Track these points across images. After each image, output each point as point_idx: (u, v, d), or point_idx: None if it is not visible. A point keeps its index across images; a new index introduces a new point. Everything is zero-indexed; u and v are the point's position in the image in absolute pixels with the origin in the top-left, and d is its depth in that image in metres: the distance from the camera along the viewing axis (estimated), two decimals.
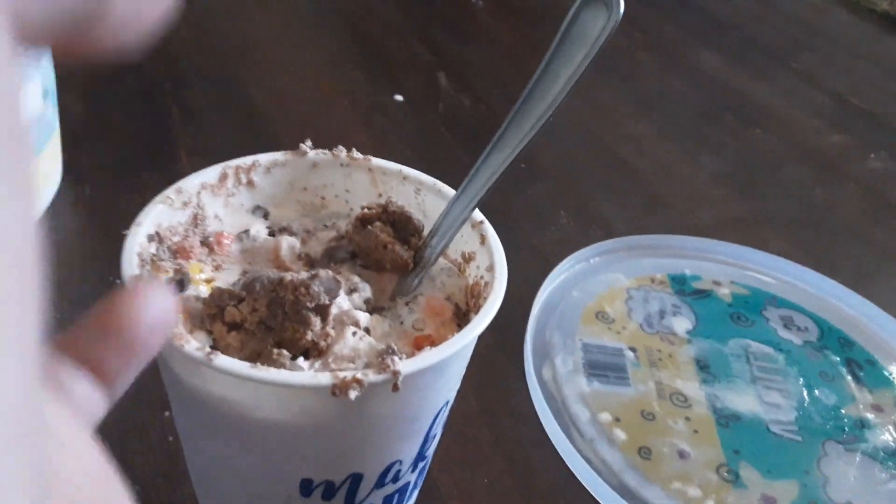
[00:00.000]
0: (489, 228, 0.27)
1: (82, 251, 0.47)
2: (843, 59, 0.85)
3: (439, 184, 0.29)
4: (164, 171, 0.54)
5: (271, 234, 0.28)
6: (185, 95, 0.62)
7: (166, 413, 0.37)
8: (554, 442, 0.40)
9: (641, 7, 0.88)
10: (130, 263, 0.24)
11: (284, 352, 0.22)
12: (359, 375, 0.20)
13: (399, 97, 0.66)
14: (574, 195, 0.58)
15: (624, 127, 0.68)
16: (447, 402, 0.26)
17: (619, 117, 0.69)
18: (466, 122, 0.64)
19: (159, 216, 0.26)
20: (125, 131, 0.58)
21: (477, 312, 0.24)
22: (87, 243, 0.47)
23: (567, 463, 0.39)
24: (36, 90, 0.44)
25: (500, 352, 0.44)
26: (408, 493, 0.27)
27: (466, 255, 0.28)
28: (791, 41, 0.88)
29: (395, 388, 0.21)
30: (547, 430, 0.41)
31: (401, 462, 0.25)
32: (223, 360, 0.20)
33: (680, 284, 0.51)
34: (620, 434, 0.40)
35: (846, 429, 0.42)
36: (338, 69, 0.71)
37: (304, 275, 0.22)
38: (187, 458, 0.28)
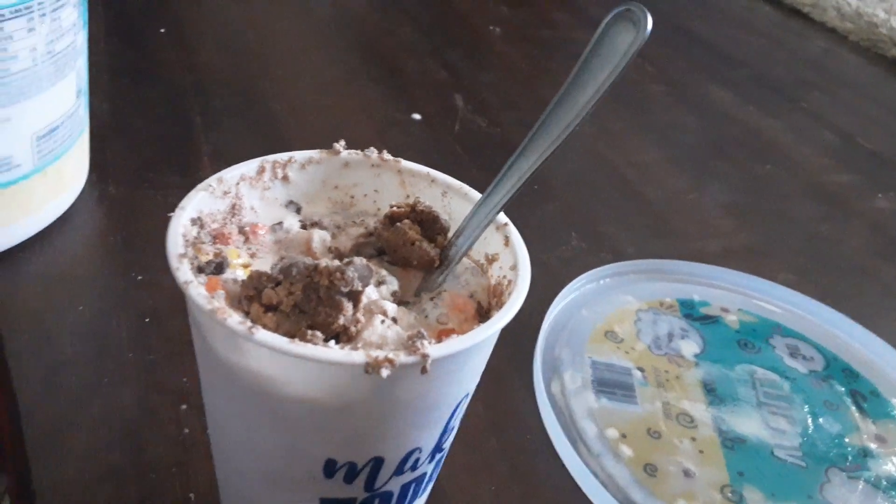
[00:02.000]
0: (513, 230, 0.28)
1: (105, 247, 0.48)
2: (851, 100, 0.87)
3: (465, 187, 0.30)
4: (186, 174, 0.55)
5: (303, 227, 0.29)
6: (207, 104, 0.64)
7: (183, 406, 0.38)
8: (560, 454, 0.40)
9: (654, 42, 0.90)
10: (175, 242, 0.24)
11: (318, 333, 0.22)
12: (391, 355, 0.21)
13: (417, 116, 0.67)
14: (585, 217, 0.59)
15: (635, 155, 0.69)
16: (467, 395, 0.26)
17: (631, 146, 0.70)
18: (481, 142, 0.66)
19: (201, 202, 0.27)
20: (149, 135, 0.59)
21: (499, 310, 0.25)
22: (109, 240, 0.48)
23: (573, 475, 0.39)
24: (71, 87, 0.45)
25: (509, 366, 0.44)
26: (423, 485, 0.28)
27: (489, 257, 0.29)
28: (800, 80, 0.89)
29: (424, 370, 0.21)
30: (554, 442, 0.41)
31: (420, 450, 0.25)
32: (264, 334, 0.21)
33: (688, 309, 0.52)
34: (627, 450, 0.41)
35: (849, 457, 0.43)
36: (356, 85, 0.72)
37: (337, 262, 0.23)
38: (212, 439, 0.28)
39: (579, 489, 0.39)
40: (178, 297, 0.44)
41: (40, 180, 0.45)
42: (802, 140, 0.76)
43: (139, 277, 0.45)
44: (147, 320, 0.43)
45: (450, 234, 0.29)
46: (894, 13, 1.05)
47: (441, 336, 0.25)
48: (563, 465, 0.40)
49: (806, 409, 0.46)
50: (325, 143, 0.32)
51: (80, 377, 0.39)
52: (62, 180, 0.47)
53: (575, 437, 0.41)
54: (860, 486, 0.41)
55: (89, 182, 0.52)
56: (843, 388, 0.48)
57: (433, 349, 0.22)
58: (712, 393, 0.45)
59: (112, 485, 0.34)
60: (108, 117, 0.59)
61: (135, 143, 0.58)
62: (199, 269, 0.25)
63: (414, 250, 0.27)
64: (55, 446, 0.36)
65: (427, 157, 0.67)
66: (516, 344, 0.45)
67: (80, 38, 0.45)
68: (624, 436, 0.41)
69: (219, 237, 0.27)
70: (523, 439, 0.41)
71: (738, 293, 0.54)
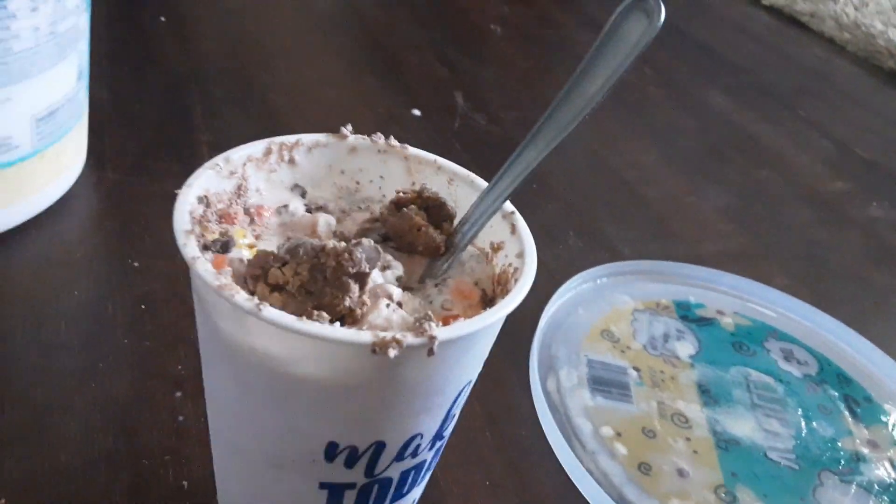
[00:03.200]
0: (520, 219, 0.28)
1: (102, 232, 0.47)
2: (847, 109, 0.87)
3: (472, 175, 0.30)
4: (184, 162, 0.54)
5: (308, 211, 0.29)
6: (208, 92, 0.64)
7: (178, 393, 0.38)
8: (556, 451, 0.40)
9: (653, 44, 0.90)
10: (182, 219, 0.24)
11: (324, 314, 0.22)
12: (398, 336, 0.21)
13: (417, 111, 0.67)
14: (583, 217, 0.59)
15: (633, 156, 0.69)
16: (469, 382, 0.26)
17: (629, 147, 0.71)
18: (480, 140, 0.66)
19: (208, 181, 0.26)
20: (148, 122, 0.58)
21: (504, 297, 0.24)
22: (106, 225, 0.48)
23: (568, 472, 0.39)
24: (72, 70, 0.45)
25: (506, 362, 0.44)
26: (422, 473, 0.28)
27: (495, 245, 0.29)
28: (798, 88, 0.90)
29: (431, 352, 0.21)
30: (549, 439, 0.41)
31: (422, 436, 0.25)
32: (271, 312, 0.21)
33: (684, 311, 0.52)
34: (621, 448, 0.41)
35: (842, 461, 0.43)
36: (357, 78, 0.72)
37: (345, 244, 0.23)
38: (211, 422, 0.28)
39: (574, 486, 0.39)
40: (174, 284, 0.44)
41: (38, 163, 0.44)
42: (799, 147, 0.77)
43: (135, 264, 0.45)
44: (143, 307, 0.42)
45: (455, 222, 0.29)
46: (892, 25, 1.06)
47: (446, 322, 0.25)
48: (558, 462, 0.40)
49: (799, 412, 0.46)
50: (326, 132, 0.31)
51: (74, 361, 0.39)
52: (60, 164, 0.47)
53: (570, 435, 0.41)
54: (852, 490, 0.41)
55: (87, 167, 0.51)
56: (836, 393, 0.48)
57: (440, 331, 0.21)
58: (707, 394, 0.45)
59: (105, 470, 0.34)
60: (108, 104, 0.59)
61: (133, 130, 0.57)
62: (205, 247, 0.25)
63: (420, 236, 0.27)
64: (48, 430, 0.35)
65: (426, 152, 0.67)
66: (513, 341, 0.45)
67: (83, 21, 0.45)
68: (619, 434, 0.41)
69: (224, 217, 0.26)
70: (519, 435, 0.41)
71: (734, 296, 0.54)
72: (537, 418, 0.42)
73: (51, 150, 0.45)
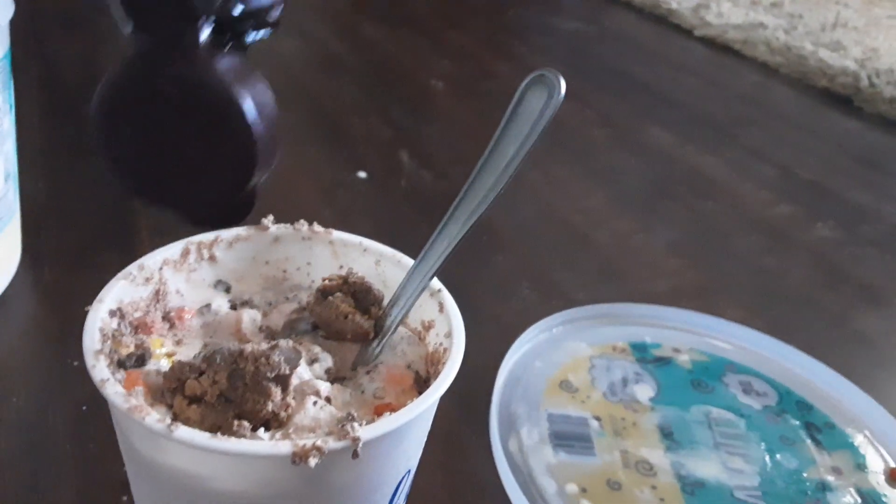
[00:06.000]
0: (447, 296, 0.28)
1: (40, 334, 0.46)
2: (786, 132, 0.89)
3: (399, 254, 0.30)
4: (125, 251, 0.54)
5: (233, 307, 0.28)
6: None
7: (124, 497, 0.36)
8: None
9: (592, 87, 0.92)
10: (92, 338, 0.24)
11: (245, 423, 0.22)
12: (318, 443, 0.20)
13: (362, 174, 0.67)
14: (535, 266, 0.59)
15: (579, 200, 0.70)
16: (409, 471, 0.26)
17: (576, 191, 0.71)
18: (428, 196, 0.66)
19: (121, 292, 0.26)
20: (86, 214, 0.58)
21: (435, 379, 0.24)
22: (45, 326, 0.47)
23: None
24: None
25: (465, 425, 0.44)
26: None
27: (426, 324, 0.29)
28: (736, 116, 0.92)
29: (356, 454, 0.21)
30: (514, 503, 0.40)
31: None
32: (183, 432, 0.20)
33: (641, 352, 0.52)
34: None
35: (808, 492, 0.43)
36: (300, 147, 0.72)
37: (264, 346, 0.23)
38: None
39: None
40: None
41: None
42: (742, 175, 0.78)
43: (75, 363, 0.44)
44: (84, 408, 0.41)
45: (385, 303, 0.28)
46: (821, 45, 1.09)
47: (378, 411, 0.24)
48: None
49: (763, 446, 0.46)
50: (269, 209, 0.31)
51: (16, 474, 0.37)
52: None
53: (535, 497, 0.40)
54: None
55: (22, 266, 0.50)
56: (797, 422, 0.48)
57: (364, 431, 0.21)
58: (669, 437, 0.45)
59: None
60: (44, 197, 0.58)
61: (70, 222, 0.56)
62: (120, 364, 0.24)
63: (347, 324, 0.27)
64: None
65: (374, 215, 0.67)
66: (472, 402, 0.45)
67: (7, 123, 0.45)
68: (584, 490, 0.41)
69: (141, 326, 0.26)
70: (483, 503, 0.40)
71: (689, 332, 0.54)
72: (502, 482, 0.41)
73: None
